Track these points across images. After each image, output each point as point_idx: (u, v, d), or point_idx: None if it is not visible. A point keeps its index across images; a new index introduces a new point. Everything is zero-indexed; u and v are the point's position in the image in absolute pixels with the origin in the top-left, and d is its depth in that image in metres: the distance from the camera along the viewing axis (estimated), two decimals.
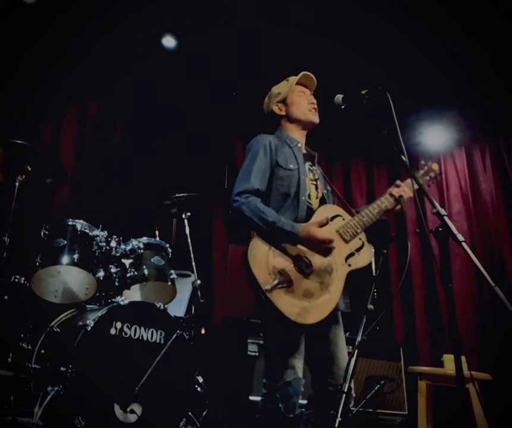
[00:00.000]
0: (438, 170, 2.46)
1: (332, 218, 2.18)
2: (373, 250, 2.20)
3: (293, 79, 2.41)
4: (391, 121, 1.92)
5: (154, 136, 4.85)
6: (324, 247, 2.03)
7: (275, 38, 4.13)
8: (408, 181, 2.29)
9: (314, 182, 2.31)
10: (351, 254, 2.13)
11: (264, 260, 2.00)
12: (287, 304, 1.93)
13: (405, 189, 2.27)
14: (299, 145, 2.35)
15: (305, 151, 2.40)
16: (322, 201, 2.30)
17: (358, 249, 2.16)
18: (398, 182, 2.30)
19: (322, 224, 2.05)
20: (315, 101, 2.41)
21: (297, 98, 2.39)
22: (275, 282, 1.95)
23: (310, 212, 2.19)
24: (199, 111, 4.88)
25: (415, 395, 3.65)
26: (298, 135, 2.40)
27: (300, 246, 2.05)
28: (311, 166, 2.36)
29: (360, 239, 2.18)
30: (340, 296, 2.07)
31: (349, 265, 2.11)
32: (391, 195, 2.27)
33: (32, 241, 3.09)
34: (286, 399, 1.99)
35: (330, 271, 2.06)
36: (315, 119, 2.39)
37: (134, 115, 4.81)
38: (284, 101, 2.41)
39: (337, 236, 2.14)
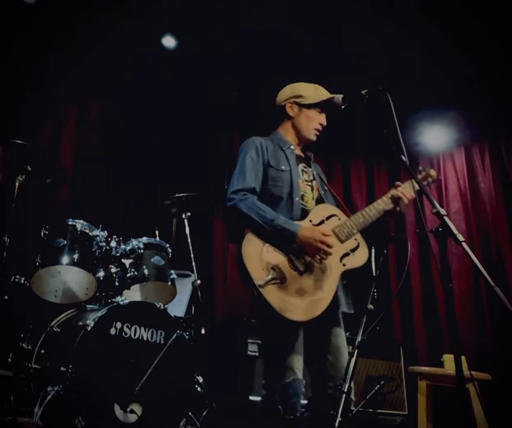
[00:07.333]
0: (436, 176, 2.42)
1: (328, 217, 2.18)
2: (367, 252, 2.18)
3: (324, 93, 2.34)
4: (391, 121, 1.92)
5: (154, 136, 4.85)
6: (321, 248, 1.98)
7: (275, 38, 4.12)
8: (408, 182, 2.27)
9: (309, 183, 2.29)
10: (346, 254, 2.12)
11: (258, 255, 1.98)
12: (279, 300, 1.91)
13: (404, 190, 2.25)
14: (292, 147, 2.34)
15: (299, 153, 2.38)
16: (319, 202, 2.28)
17: (353, 250, 2.14)
18: (397, 183, 2.29)
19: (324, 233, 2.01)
20: (325, 124, 2.35)
21: (315, 114, 2.33)
22: (269, 277, 1.92)
23: (305, 213, 2.17)
24: (199, 111, 4.88)
25: (415, 394, 3.65)
26: (293, 140, 2.37)
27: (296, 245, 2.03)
28: (305, 167, 2.34)
29: (355, 239, 2.16)
30: (335, 295, 2.04)
31: (344, 265, 2.10)
32: (389, 197, 2.25)
33: (32, 241, 3.08)
34: (286, 400, 1.98)
35: (324, 270, 2.04)
36: (313, 139, 2.37)
37: (134, 115, 4.81)
38: (301, 106, 2.34)
39: (333, 235, 2.12)
